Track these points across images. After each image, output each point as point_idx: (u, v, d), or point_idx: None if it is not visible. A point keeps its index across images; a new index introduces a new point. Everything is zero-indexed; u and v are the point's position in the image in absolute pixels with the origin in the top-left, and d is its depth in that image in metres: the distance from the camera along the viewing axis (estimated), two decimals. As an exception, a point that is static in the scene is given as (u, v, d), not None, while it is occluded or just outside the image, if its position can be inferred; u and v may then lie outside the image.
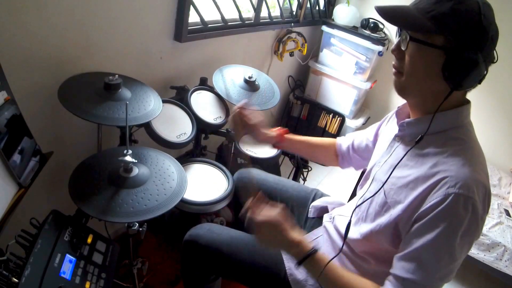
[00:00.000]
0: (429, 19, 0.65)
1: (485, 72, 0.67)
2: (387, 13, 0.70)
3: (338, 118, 2.50)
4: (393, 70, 0.75)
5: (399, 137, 0.81)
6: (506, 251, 1.70)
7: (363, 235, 0.82)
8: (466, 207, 0.63)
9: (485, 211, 0.67)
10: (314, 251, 0.75)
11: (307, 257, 0.75)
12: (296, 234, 0.77)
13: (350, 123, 2.51)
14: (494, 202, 2.00)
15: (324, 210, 1.11)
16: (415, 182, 0.70)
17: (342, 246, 0.81)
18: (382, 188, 0.77)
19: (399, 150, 0.80)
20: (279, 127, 1.12)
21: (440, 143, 0.71)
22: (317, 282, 0.77)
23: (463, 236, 0.64)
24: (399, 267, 0.70)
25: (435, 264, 0.66)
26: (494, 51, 0.69)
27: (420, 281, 0.67)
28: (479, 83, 0.68)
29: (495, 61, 0.69)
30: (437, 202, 0.64)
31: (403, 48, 0.71)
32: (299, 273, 0.91)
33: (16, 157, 0.78)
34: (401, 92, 0.75)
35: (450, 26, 0.64)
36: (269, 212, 0.78)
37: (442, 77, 0.66)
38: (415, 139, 0.74)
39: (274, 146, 1.12)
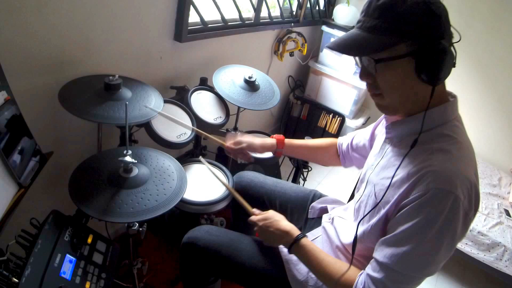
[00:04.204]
0: (384, 34, 0.65)
1: (455, 53, 0.66)
2: (341, 47, 0.69)
3: (338, 118, 2.50)
4: (370, 93, 0.75)
5: (389, 139, 0.82)
6: (506, 251, 1.69)
7: (358, 237, 0.82)
8: (445, 201, 0.63)
9: (472, 206, 0.66)
10: (300, 237, 0.84)
11: (295, 243, 0.84)
12: (286, 224, 0.89)
13: (350, 123, 2.51)
14: (494, 202, 2.00)
15: (323, 210, 1.11)
16: (401, 180, 0.70)
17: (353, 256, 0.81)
18: (373, 190, 0.79)
19: (389, 152, 0.80)
20: (275, 134, 1.17)
21: (428, 140, 0.71)
22: (306, 267, 0.86)
23: (443, 230, 0.64)
24: (378, 251, 0.72)
25: (409, 253, 0.66)
26: (451, 27, 0.67)
27: (393, 267, 0.68)
28: (454, 66, 0.67)
29: (459, 39, 0.68)
30: (418, 195, 0.65)
31: (372, 73, 0.70)
32: (299, 274, 0.91)
33: (16, 157, 0.78)
34: (387, 111, 0.76)
35: (406, 31, 0.64)
36: (262, 213, 0.94)
37: (419, 80, 0.66)
38: (402, 140, 0.76)
39: (276, 153, 1.16)
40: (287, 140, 1.15)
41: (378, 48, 0.66)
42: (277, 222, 0.89)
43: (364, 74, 0.73)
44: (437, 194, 0.63)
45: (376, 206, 0.76)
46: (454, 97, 0.75)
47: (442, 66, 0.64)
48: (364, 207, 0.83)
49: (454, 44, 0.67)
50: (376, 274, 0.70)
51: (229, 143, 1.14)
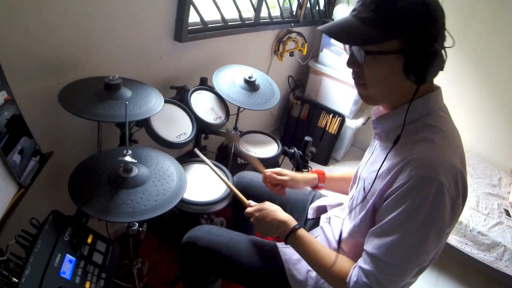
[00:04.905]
0: (377, 28, 0.64)
1: (445, 57, 0.66)
2: (333, 32, 0.69)
3: (338, 118, 2.50)
4: (354, 81, 0.75)
5: (377, 135, 0.83)
6: (506, 251, 1.69)
7: (349, 232, 0.84)
8: (428, 187, 0.63)
9: (459, 193, 0.66)
10: (297, 227, 0.85)
11: (291, 233, 0.84)
12: (282, 214, 0.90)
13: (350, 123, 2.51)
14: (494, 202, 2.00)
15: (322, 210, 1.11)
16: (386, 171, 0.71)
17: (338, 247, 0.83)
18: (363, 185, 0.79)
19: (378, 147, 0.82)
20: (314, 170, 1.15)
21: (412, 132, 0.71)
22: (302, 257, 0.86)
23: (429, 217, 0.64)
24: (368, 242, 0.72)
25: (396, 243, 0.66)
26: (446, 32, 0.67)
27: (382, 257, 0.68)
28: (442, 69, 0.67)
29: (452, 45, 0.68)
30: (402, 183, 0.65)
31: (360, 62, 0.70)
32: (298, 274, 0.91)
33: (16, 157, 0.78)
34: (370, 101, 0.76)
35: (400, 28, 0.63)
36: (258, 205, 0.95)
37: (405, 77, 0.66)
38: (388, 134, 0.77)
39: (317, 187, 1.13)
40: (327, 175, 1.13)
41: (368, 40, 0.66)
42: (273, 212, 0.90)
43: (351, 62, 0.73)
44: (420, 180, 0.63)
45: (364, 199, 0.77)
46: (438, 88, 0.75)
47: (430, 68, 0.64)
48: (355, 202, 0.84)
49: (447, 49, 0.67)
50: (367, 266, 0.70)
51: (270, 171, 1.09)
